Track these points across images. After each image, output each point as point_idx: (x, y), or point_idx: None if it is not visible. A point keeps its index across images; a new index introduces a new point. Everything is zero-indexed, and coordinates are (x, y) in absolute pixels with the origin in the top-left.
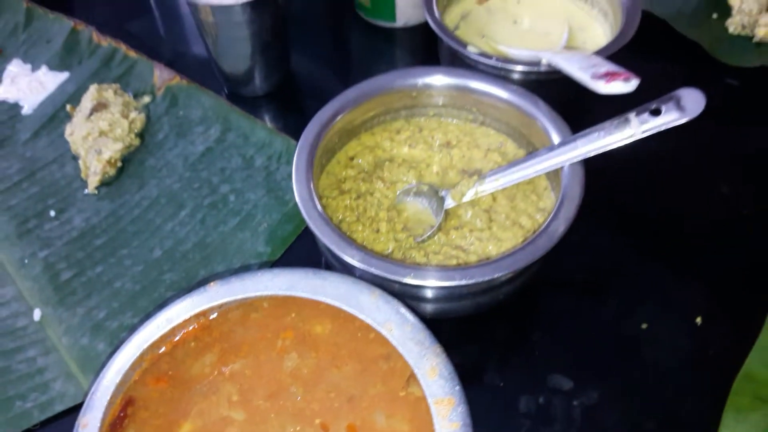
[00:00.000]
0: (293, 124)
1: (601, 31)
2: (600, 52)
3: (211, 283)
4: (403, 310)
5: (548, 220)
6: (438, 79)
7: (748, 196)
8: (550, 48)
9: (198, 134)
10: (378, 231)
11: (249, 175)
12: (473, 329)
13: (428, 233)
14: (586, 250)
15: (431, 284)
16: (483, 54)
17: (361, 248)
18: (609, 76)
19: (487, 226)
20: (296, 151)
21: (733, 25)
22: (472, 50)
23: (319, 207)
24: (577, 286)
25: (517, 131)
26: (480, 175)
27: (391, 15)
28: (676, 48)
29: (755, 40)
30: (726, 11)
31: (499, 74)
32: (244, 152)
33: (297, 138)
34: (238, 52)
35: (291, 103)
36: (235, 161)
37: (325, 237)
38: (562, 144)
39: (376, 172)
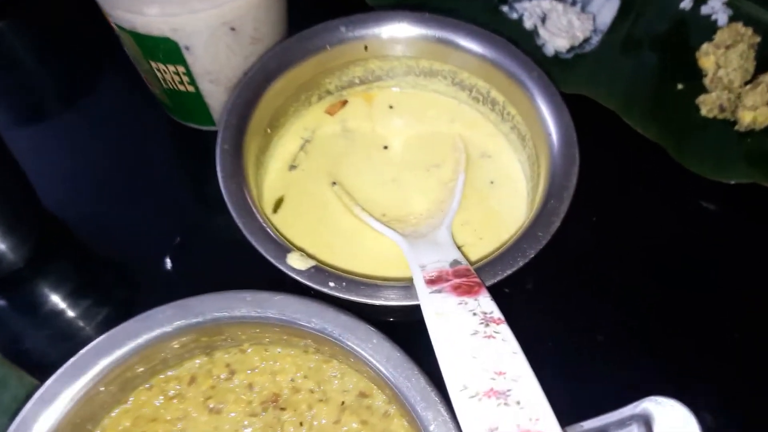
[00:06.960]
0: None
1: (518, 167)
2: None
3: None
4: None
5: None
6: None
7: None
8: (437, 212)
9: None
10: None
11: None
12: None
13: None
14: None
15: None
16: (313, 272)
17: None
18: None
19: None
20: None
21: (708, 105)
22: (294, 263)
23: None
24: None
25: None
26: None
27: (208, 119)
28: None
29: (739, 127)
30: (693, 77)
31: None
32: None
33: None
34: None
35: (60, 286)
36: None
37: None
38: None
39: None
